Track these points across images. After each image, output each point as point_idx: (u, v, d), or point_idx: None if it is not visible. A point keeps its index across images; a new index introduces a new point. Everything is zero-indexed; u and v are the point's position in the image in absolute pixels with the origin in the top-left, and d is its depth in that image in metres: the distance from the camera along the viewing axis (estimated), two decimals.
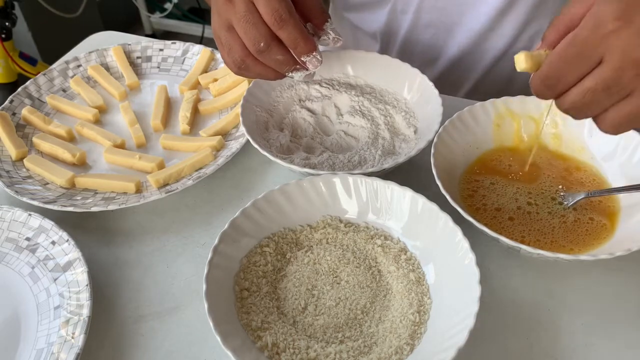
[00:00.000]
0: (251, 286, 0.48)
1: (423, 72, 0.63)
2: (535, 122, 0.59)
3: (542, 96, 0.39)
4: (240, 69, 0.51)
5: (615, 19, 0.34)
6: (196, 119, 0.69)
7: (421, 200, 0.49)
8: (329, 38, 0.55)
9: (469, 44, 0.75)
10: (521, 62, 0.40)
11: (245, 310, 0.46)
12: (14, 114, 0.68)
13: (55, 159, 0.64)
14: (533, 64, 0.40)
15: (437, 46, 0.77)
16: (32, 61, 1.67)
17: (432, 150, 0.53)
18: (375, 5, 0.77)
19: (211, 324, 0.41)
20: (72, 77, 0.73)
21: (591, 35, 0.35)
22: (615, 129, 0.38)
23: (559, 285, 0.50)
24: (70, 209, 0.55)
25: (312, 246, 0.51)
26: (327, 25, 0.54)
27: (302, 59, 0.50)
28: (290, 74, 0.52)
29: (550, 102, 0.42)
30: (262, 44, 0.48)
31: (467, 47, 0.76)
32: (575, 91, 0.37)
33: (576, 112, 0.38)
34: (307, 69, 0.51)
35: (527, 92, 0.60)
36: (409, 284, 0.47)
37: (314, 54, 0.50)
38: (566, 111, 0.39)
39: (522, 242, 0.49)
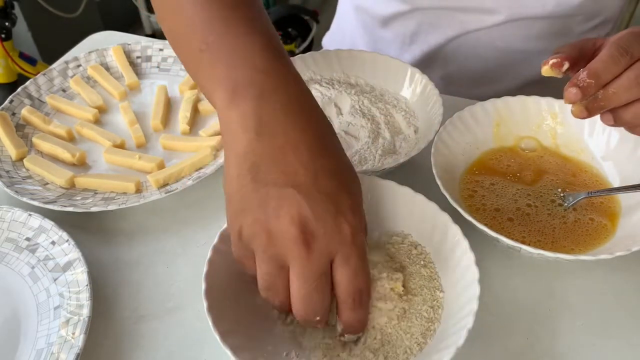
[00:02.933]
0: None
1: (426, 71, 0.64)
2: (535, 123, 0.59)
3: (596, 77, 0.44)
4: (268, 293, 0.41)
5: None
6: (196, 119, 0.69)
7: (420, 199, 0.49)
8: None
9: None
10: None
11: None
12: (13, 114, 0.68)
13: (55, 159, 0.64)
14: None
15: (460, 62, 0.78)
16: (32, 61, 1.67)
17: (432, 150, 0.53)
18: (400, 17, 0.77)
19: (210, 323, 0.41)
20: (71, 77, 0.73)
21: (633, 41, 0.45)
22: None
23: (559, 285, 0.50)
24: (70, 209, 0.55)
25: None
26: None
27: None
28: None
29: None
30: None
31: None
32: (629, 73, 0.44)
33: (630, 95, 0.45)
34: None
35: (526, 92, 0.60)
36: (420, 280, 0.47)
37: None
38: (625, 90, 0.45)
39: (523, 242, 0.48)
